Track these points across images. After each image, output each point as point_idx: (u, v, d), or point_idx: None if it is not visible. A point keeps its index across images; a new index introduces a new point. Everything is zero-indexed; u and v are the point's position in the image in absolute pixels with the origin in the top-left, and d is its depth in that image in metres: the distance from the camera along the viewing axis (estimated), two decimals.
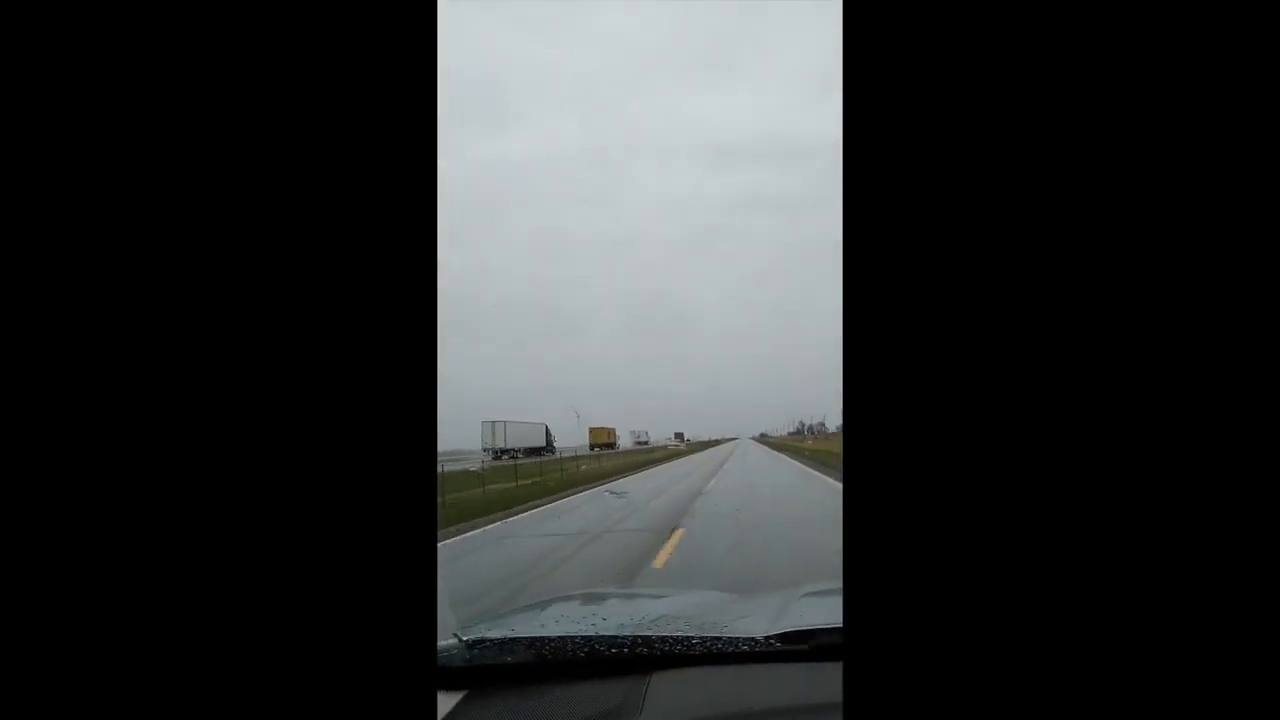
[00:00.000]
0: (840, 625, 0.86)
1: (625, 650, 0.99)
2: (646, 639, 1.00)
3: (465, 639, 1.05)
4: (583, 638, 1.01)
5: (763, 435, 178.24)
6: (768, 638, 1.01)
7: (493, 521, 10.30)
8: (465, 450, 38.80)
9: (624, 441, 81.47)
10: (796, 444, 49.19)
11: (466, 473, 20.51)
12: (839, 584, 1.07)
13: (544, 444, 47.95)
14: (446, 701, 0.95)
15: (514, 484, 16.77)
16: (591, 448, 57.58)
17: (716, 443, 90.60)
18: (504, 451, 39.50)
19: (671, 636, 1.00)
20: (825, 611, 1.13)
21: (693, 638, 1.01)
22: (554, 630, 1.07)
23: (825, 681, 0.86)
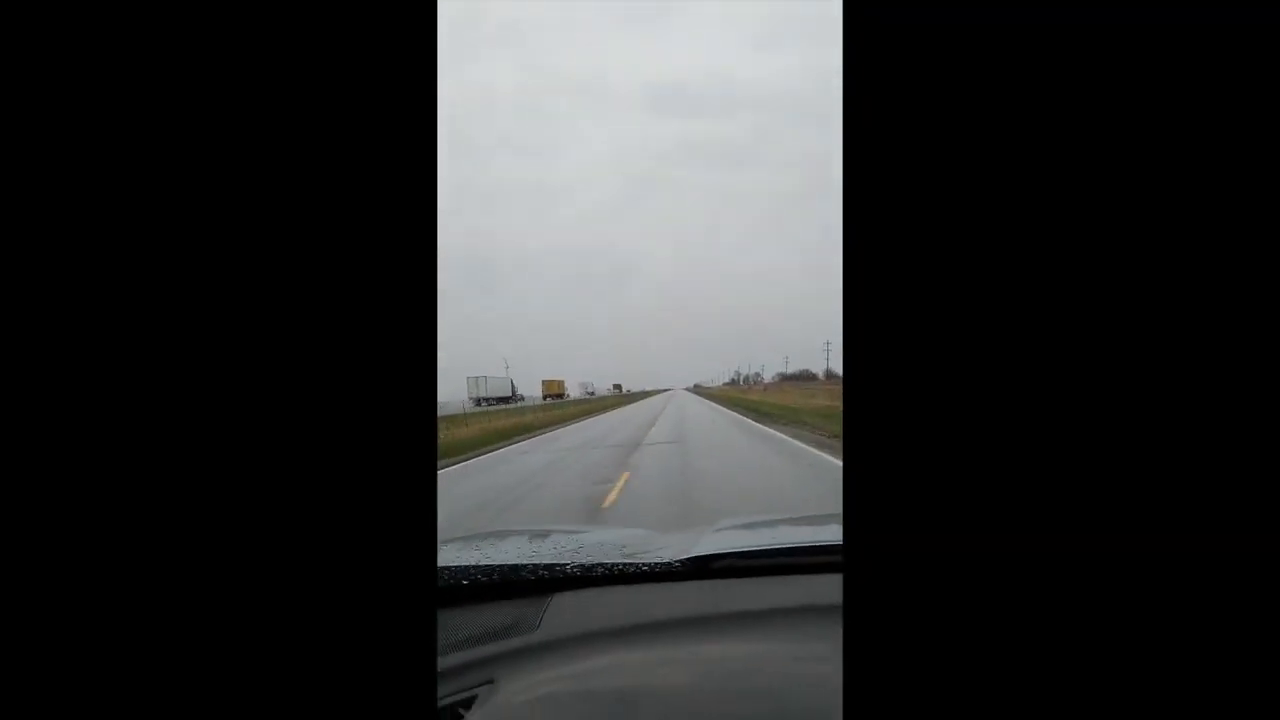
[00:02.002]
0: (739, 550, 1.07)
1: (531, 576, 1.00)
2: (551, 566, 1.01)
3: None
4: (488, 566, 1.02)
5: (696, 386, 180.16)
6: (670, 562, 1.03)
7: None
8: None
9: (573, 392, 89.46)
10: (740, 395, 45.61)
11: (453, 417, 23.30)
12: (753, 518, 1.51)
13: (511, 394, 59.63)
14: None
15: (505, 423, 19.98)
16: (545, 397, 66.53)
17: (649, 394, 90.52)
18: (483, 399, 51.42)
19: (577, 564, 1.02)
20: (729, 539, 1.20)
21: (598, 564, 1.02)
22: (464, 560, 1.07)
23: (717, 597, 0.92)
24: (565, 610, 0.92)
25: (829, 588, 0.89)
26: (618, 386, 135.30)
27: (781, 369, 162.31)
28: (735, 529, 1.36)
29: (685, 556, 1.03)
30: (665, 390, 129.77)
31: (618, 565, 1.02)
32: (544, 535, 1.37)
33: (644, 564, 1.03)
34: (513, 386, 61.39)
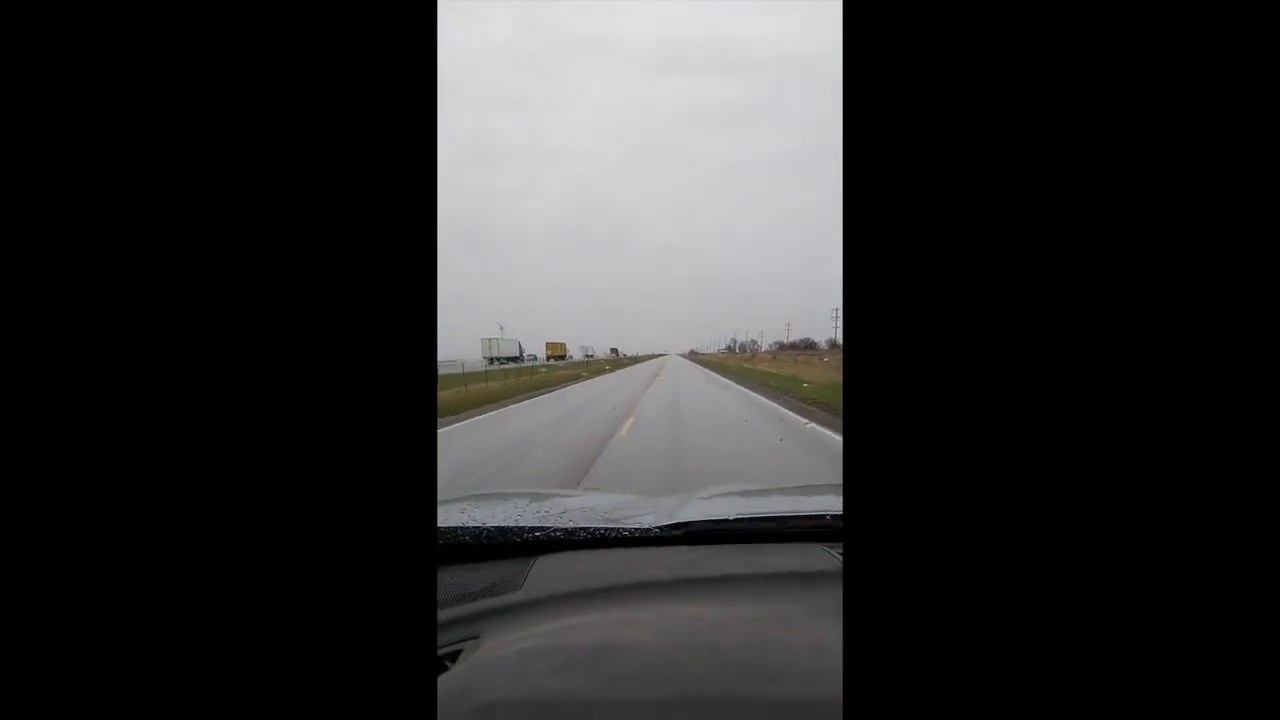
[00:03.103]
0: (715, 517, 1.09)
1: (517, 539, 1.04)
2: (536, 529, 1.05)
3: None
4: (476, 528, 1.05)
5: (692, 352, 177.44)
6: (651, 528, 1.06)
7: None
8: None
9: (574, 354, 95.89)
10: (742, 366, 38.46)
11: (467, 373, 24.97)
12: (738, 487, 1.47)
13: (519, 354, 66.58)
14: None
15: (525, 378, 21.91)
16: (548, 358, 74.19)
17: (641, 359, 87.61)
18: (494, 359, 57.00)
19: (561, 528, 1.05)
20: (711, 507, 1.22)
21: (581, 529, 1.06)
22: (456, 521, 1.10)
23: (692, 561, 0.94)
24: (549, 572, 0.94)
25: (799, 556, 0.95)
26: (614, 350, 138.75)
27: (782, 337, 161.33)
28: (720, 497, 1.40)
29: (667, 523, 1.07)
30: (660, 355, 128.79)
31: (600, 530, 1.06)
32: (540, 498, 1.42)
33: (625, 529, 1.06)
34: (520, 348, 68.12)
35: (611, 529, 1.07)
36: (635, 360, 74.27)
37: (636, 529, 1.07)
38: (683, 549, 1.02)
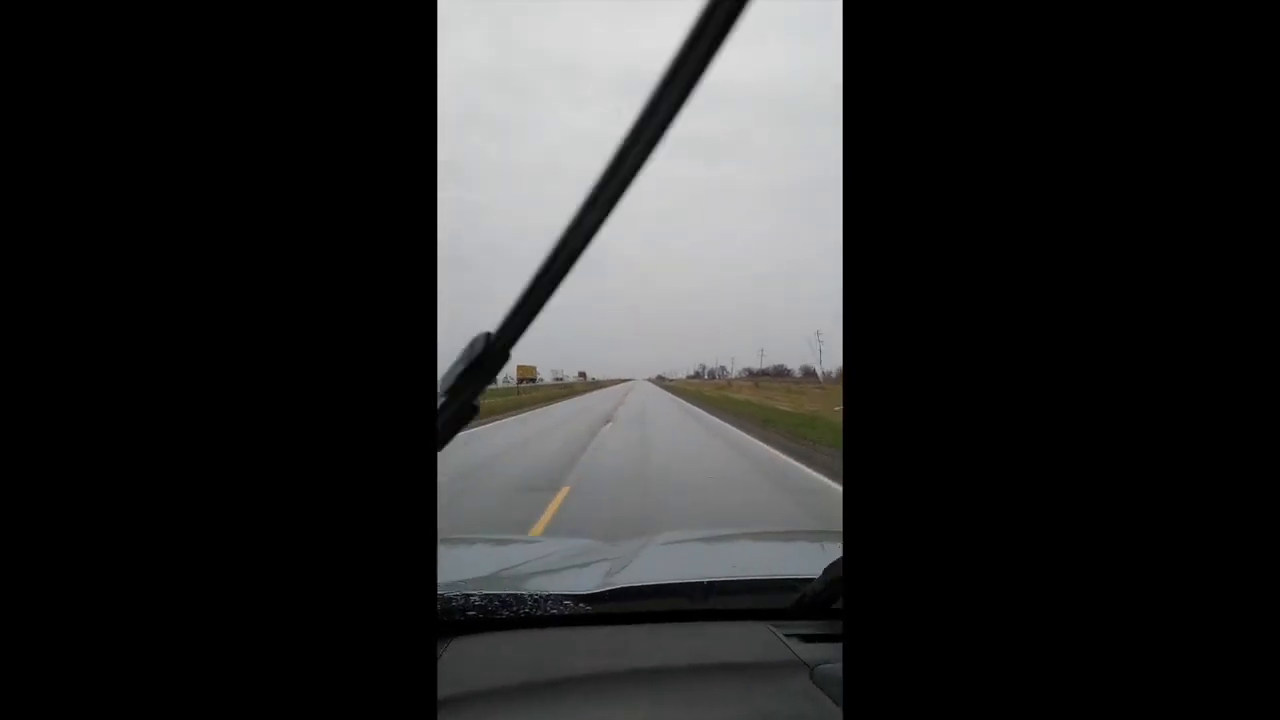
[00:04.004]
0: (658, 583, 0.97)
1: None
2: (452, 599, 0.92)
3: None
4: None
5: (659, 378, 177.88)
6: (588, 593, 0.95)
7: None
8: None
9: (545, 377, 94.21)
10: (725, 396, 35.58)
11: None
12: (702, 532, 1.41)
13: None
14: None
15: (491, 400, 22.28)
16: (519, 381, 69.28)
17: (608, 384, 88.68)
18: None
19: (478, 605, 0.92)
20: (667, 561, 1.14)
21: (504, 601, 0.93)
22: None
23: (626, 647, 0.85)
24: (459, 663, 0.82)
25: (743, 641, 0.86)
26: (583, 374, 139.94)
27: (754, 364, 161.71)
28: (681, 543, 1.30)
29: (600, 589, 0.95)
30: (625, 380, 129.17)
31: (526, 604, 0.93)
32: (469, 543, 1.24)
33: (558, 597, 0.94)
34: None
35: (540, 598, 0.94)
36: (594, 386, 74.00)
37: (568, 597, 0.95)
38: (614, 630, 0.91)
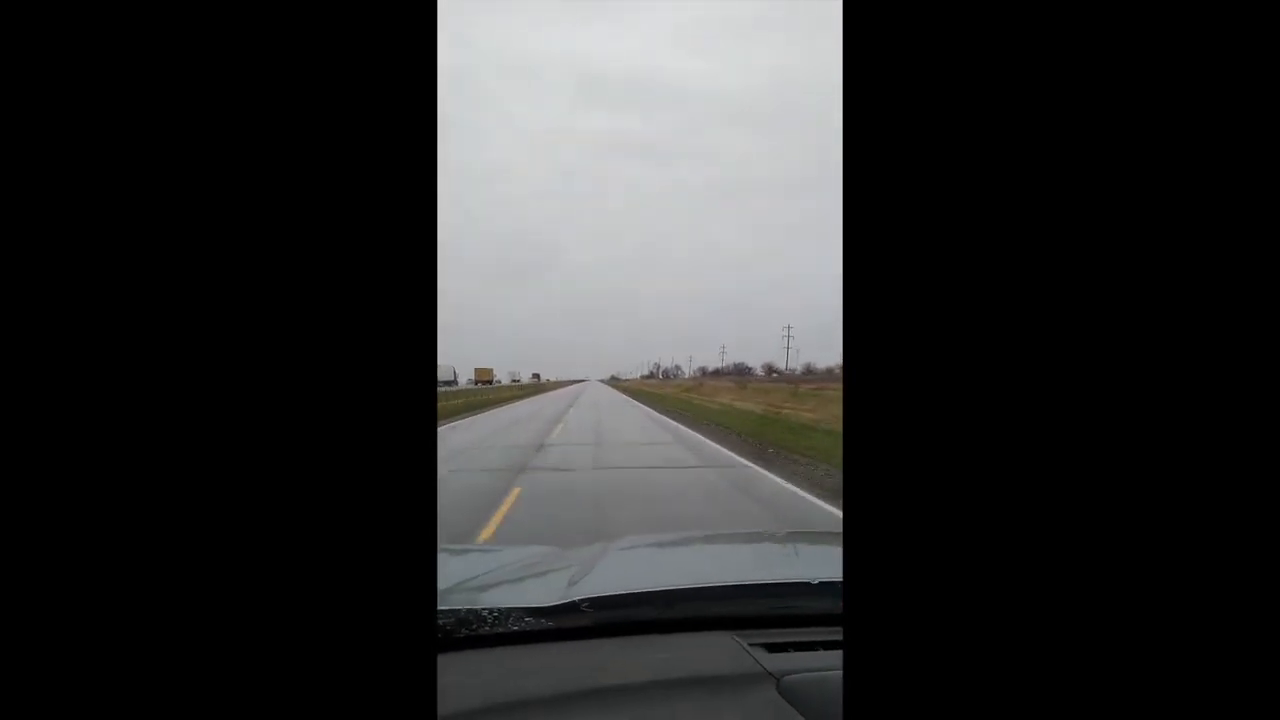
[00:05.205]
0: (620, 592, 0.92)
1: None
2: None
3: None
4: None
5: (613, 378, 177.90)
6: (549, 605, 0.91)
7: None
8: None
9: (502, 379, 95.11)
10: (686, 398, 30.37)
11: None
12: (663, 537, 1.53)
13: (453, 379, 67.20)
14: None
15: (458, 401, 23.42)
16: (476, 383, 73.61)
17: (563, 384, 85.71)
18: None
19: (439, 623, 0.87)
20: (627, 565, 1.11)
21: (460, 617, 0.89)
22: None
23: (594, 664, 0.83)
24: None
25: (707, 651, 0.84)
26: (536, 376, 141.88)
27: (713, 363, 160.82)
28: (641, 548, 1.27)
29: (562, 601, 0.92)
30: (579, 381, 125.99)
31: (485, 623, 0.89)
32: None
33: (518, 611, 0.90)
34: (454, 373, 70.10)
35: (501, 613, 0.90)
36: (549, 387, 72.46)
37: (529, 611, 0.91)
38: (577, 646, 0.89)
